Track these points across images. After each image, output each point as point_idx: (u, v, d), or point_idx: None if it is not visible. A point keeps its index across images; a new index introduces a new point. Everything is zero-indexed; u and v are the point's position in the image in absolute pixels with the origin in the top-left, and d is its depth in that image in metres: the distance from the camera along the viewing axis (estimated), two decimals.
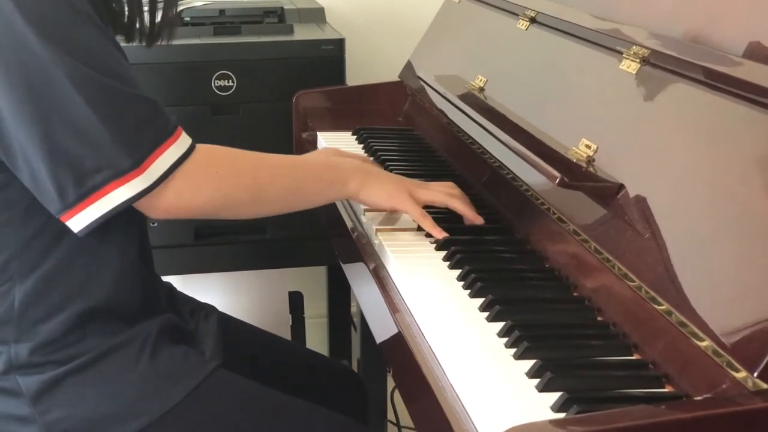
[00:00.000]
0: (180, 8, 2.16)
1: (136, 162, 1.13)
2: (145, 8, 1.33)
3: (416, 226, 1.36)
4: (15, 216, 1.18)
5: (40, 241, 1.18)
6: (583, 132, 1.25)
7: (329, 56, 2.05)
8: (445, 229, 1.31)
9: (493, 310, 1.10)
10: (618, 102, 1.25)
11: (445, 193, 1.36)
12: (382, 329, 1.22)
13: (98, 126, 1.11)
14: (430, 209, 1.36)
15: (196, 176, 1.18)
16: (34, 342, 1.20)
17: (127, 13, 1.31)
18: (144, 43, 1.36)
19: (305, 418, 1.33)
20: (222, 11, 2.23)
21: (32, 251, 1.20)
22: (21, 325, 1.20)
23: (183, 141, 1.18)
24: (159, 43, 1.37)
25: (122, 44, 1.36)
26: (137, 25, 1.32)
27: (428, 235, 1.34)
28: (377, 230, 1.36)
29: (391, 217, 1.39)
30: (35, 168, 1.12)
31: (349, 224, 1.47)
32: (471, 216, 1.35)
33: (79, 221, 1.13)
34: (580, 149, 1.23)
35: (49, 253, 1.20)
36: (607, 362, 1.00)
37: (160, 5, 1.33)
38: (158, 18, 1.34)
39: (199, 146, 1.21)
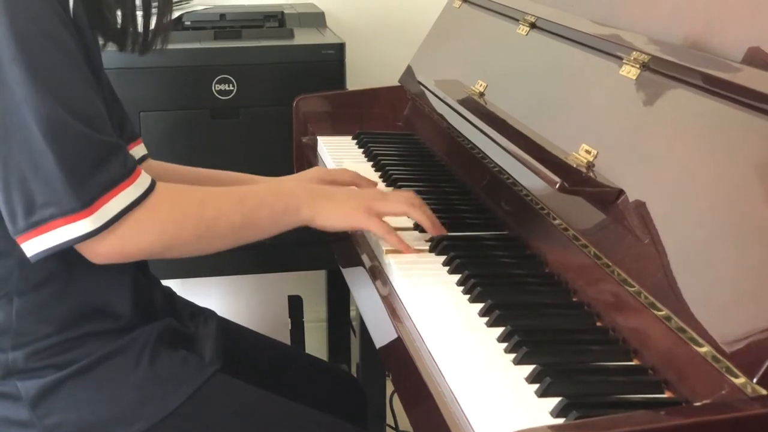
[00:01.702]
0: (180, 12, 2.17)
1: (85, 203, 1.12)
2: (139, 13, 1.32)
3: (414, 229, 1.37)
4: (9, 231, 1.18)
5: (38, 260, 1.18)
6: (583, 137, 1.25)
7: (329, 61, 2.05)
8: (445, 236, 1.31)
9: (493, 315, 1.10)
10: (618, 107, 1.25)
11: (404, 203, 1.33)
12: (381, 334, 1.22)
13: (51, 162, 1.10)
14: None
15: (143, 220, 1.17)
16: (31, 348, 1.20)
17: (120, 20, 1.30)
18: (137, 52, 1.35)
19: (304, 422, 1.32)
20: (222, 15, 2.23)
21: (31, 267, 1.18)
22: (18, 333, 1.20)
23: (140, 184, 1.17)
24: (153, 49, 1.36)
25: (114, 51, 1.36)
26: (130, 33, 1.32)
27: (428, 240, 1.34)
28: (376, 234, 1.36)
29: (390, 222, 1.39)
30: None
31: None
32: (429, 226, 1.32)
33: (29, 247, 1.13)
34: (580, 154, 1.23)
35: (48, 269, 1.20)
36: (606, 367, 1.01)
37: (155, 12, 1.33)
38: (152, 25, 1.33)
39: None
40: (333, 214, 1.31)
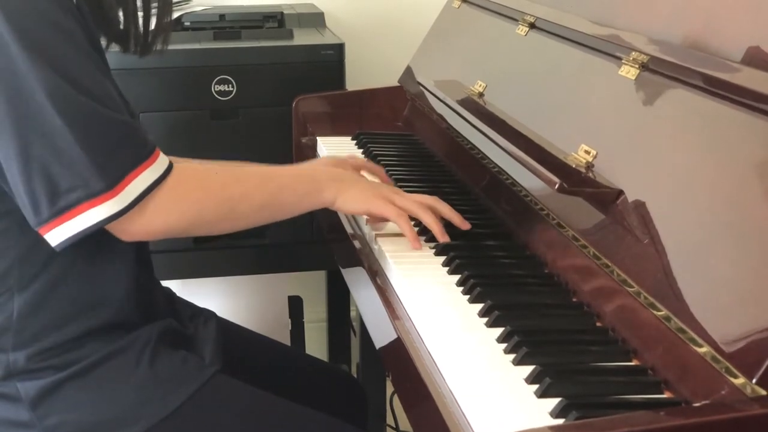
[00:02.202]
0: (179, 13, 2.17)
1: (110, 184, 1.12)
2: (139, 14, 1.32)
3: (415, 227, 1.37)
4: (12, 226, 1.18)
5: (39, 252, 1.17)
6: (583, 138, 1.25)
7: (329, 61, 2.05)
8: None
9: (492, 315, 1.10)
10: (617, 108, 1.25)
11: (418, 204, 1.34)
12: (381, 334, 1.22)
13: (74, 145, 1.10)
14: None
15: (166, 199, 1.18)
16: (32, 348, 1.20)
17: (122, 21, 1.30)
18: (138, 53, 1.35)
19: (304, 423, 1.33)
20: (222, 16, 2.23)
21: (32, 262, 1.20)
22: (19, 333, 1.20)
23: (159, 164, 1.17)
24: (154, 50, 1.36)
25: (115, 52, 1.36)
26: (132, 33, 1.32)
27: (428, 240, 1.34)
28: (377, 235, 1.36)
29: (390, 223, 1.39)
30: (14, 180, 1.12)
31: (348, 229, 1.47)
32: (436, 231, 1.32)
33: (54, 236, 1.13)
34: (579, 155, 1.23)
35: (49, 265, 1.20)
36: (606, 368, 1.01)
37: (154, 12, 1.33)
38: (152, 25, 1.33)
39: (174, 167, 1.20)
40: (354, 198, 1.33)
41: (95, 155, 1.11)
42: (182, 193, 1.20)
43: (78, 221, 1.12)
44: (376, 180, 1.48)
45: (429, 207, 1.34)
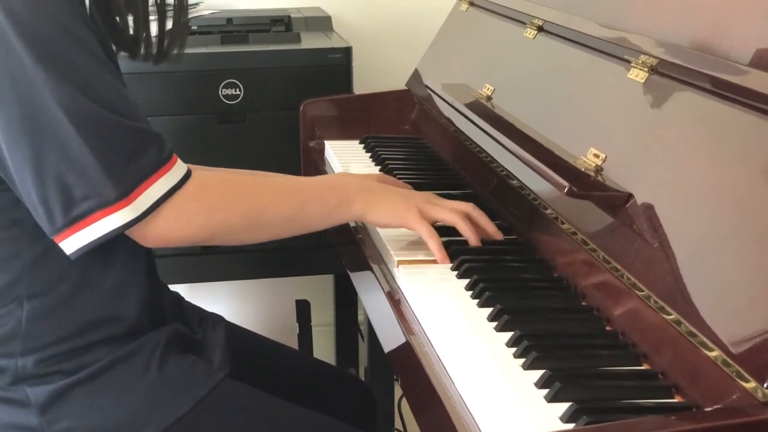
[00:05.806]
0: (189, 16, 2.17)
1: (123, 193, 1.12)
2: (153, 18, 1.32)
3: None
4: (22, 235, 1.18)
5: (49, 262, 1.17)
6: (592, 141, 1.25)
7: (336, 65, 2.05)
8: (454, 240, 1.31)
9: (502, 319, 1.09)
10: (626, 111, 1.24)
11: (454, 213, 1.31)
12: (389, 338, 1.22)
13: (87, 154, 1.10)
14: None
15: (186, 206, 1.17)
16: (40, 354, 1.20)
17: (132, 28, 1.30)
18: (151, 60, 1.33)
19: (312, 427, 1.32)
20: (229, 20, 2.24)
21: (42, 272, 1.19)
22: (28, 339, 1.20)
23: (176, 171, 1.17)
24: (171, 54, 1.35)
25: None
26: (143, 39, 1.31)
27: None
28: (385, 239, 1.36)
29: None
30: (27, 189, 1.12)
31: (356, 233, 1.47)
32: (472, 240, 1.30)
33: (69, 245, 1.13)
34: (588, 158, 1.23)
35: (60, 275, 1.20)
36: (616, 372, 1.00)
37: (170, 15, 1.32)
38: (168, 26, 1.32)
39: (194, 174, 1.19)
40: (385, 212, 1.30)
41: (109, 164, 1.11)
42: (205, 200, 1.19)
43: (92, 230, 1.12)
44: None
45: (465, 214, 1.31)
